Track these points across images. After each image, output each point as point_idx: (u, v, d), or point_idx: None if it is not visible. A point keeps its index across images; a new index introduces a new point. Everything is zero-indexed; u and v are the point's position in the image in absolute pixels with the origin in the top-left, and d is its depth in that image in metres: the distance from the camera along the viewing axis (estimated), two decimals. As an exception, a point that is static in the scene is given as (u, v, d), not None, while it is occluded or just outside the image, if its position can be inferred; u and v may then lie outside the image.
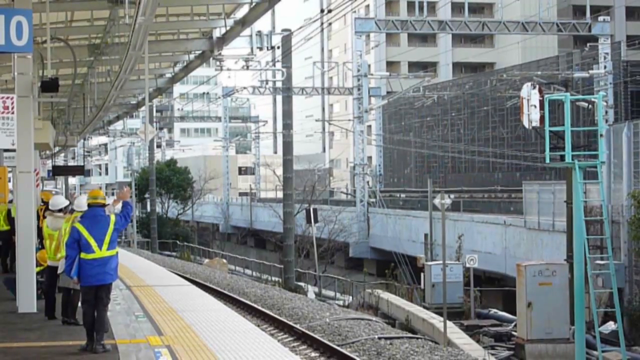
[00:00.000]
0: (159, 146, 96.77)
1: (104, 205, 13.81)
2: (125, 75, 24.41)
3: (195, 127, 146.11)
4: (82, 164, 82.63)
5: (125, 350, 13.46)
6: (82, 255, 13.29)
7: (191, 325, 15.71)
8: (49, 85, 19.12)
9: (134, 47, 19.69)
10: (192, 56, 33.77)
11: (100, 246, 13.30)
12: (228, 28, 27.95)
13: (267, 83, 69.37)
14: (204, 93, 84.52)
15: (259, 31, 32.30)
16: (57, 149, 47.15)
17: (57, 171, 49.54)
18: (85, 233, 13.30)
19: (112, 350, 13.38)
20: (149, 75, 31.54)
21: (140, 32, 17.88)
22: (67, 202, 16.81)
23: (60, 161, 73.71)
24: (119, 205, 16.31)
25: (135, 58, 21.38)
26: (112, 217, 13.59)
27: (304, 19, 74.19)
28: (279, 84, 64.79)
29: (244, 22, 26.97)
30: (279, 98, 72.59)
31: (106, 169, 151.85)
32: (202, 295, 20.66)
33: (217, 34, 29.23)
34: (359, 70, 61.63)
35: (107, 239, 13.36)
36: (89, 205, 13.82)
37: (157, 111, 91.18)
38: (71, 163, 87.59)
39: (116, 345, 13.83)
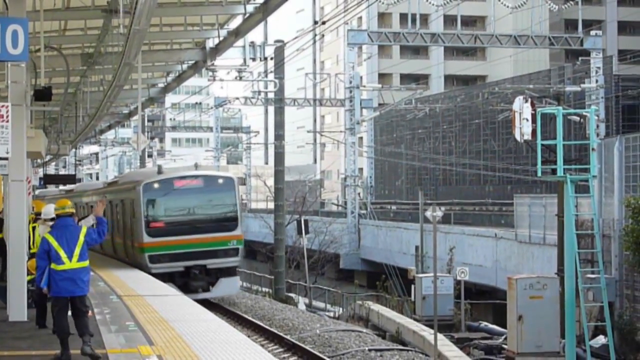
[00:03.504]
0: (150, 156, 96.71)
1: (72, 215, 13.74)
2: (118, 84, 24.42)
3: (186, 137, 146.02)
4: (73, 172, 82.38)
5: (116, 359, 13.43)
6: (52, 266, 13.24)
7: (182, 335, 15.69)
8: (42, 94, 19.11)
9: (128, 57, 19.69)
10: (185, 66, 33.84)
11: (70, 257, 13.22)
12: (221, 39, 28.04)
13: (259, 94, 69.31)
14: (196, 103, 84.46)
15: (252, 42, 32.40)
16: (48, 157, 47.07)
17: (48, 180, 49.48)
18: (54, 244, 13.24)
19: (103, 360, 13.37)
20: (142, 84, 31.57)
21: (134, 41, 17.89)
22: None
23: (51, 170, 73.61)
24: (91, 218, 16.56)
25: (129, 67, 21.39)
26: (84, 229, 13.54)
27: (296, 30, 74.27)
28: (271, 95, 64.73)
29: (237, 33, 27.06)
30: (271, 109, 72.62)
31: (97, 178, 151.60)
32: (193, 305, 20.65)
33: (210, 44, 29.32)
34: (351, 82, 61.70)
35: (77, 250, 13.28)
36: (57, 215, 13.78)
37: (148, 121, 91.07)
38: (62, 172, 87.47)
39: (107, 354, 13.80)
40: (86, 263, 13.45)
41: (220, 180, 33.25)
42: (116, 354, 13.85)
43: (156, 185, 31.94)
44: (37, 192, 59.29)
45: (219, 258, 31.72)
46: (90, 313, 14.87)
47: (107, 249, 37.30)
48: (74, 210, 13.90)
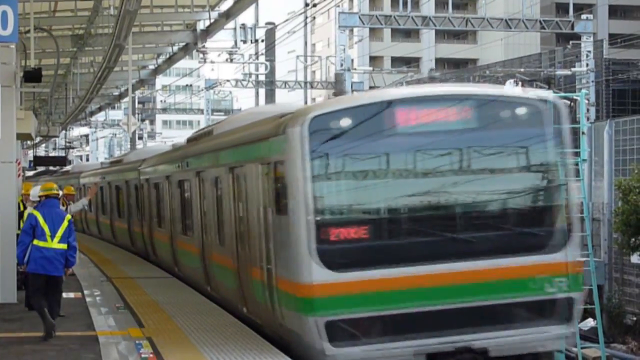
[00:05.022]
0: (140, 138, 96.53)
1: (57, 197, 14.35)
2: (108, 65, 24.34)
3: (177, 119, 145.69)
4: (63, 154, 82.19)
5: (105, 341, 13.46)
6: (35, 242, 13.70)
7: (173, 318, 15.69)
8: (32, 76, 19.08)
9: (118, 38, 19.63)
10: (175, 48, 33.72)
11: (52, 236, 13.72)
12: (212, 20, 27.93)
13: (250, 76, 69.22)
14: (186, 85, 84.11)
15: (243, 24, 32.32)
16: (38, 139, 46.96)
17: (39, 162, 49.32)
18: (41, 220, 13.71)
19: (92, 342, 13.39)
20: (132, 66, 31.49)
21: (124, 22, 17.82)
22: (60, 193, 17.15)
23: (41, 151, 73.43)
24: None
25: (119, 49, 21.32)
26: (68, 216, 14.12)
27: (287, 12, 74.12)
28: (262, 77, 64.72)
29: (228, 15, 26.96)
30: (262, 91, 72.48)
31: (87, 160, 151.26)
32: (184, 287, 20.64)
33: (201, 26, 29.21)
34: (342, 65, 61.47)
35: (60, 232, 13.76)
36: (46, 196, 14.25)
37: (139, 103, 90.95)
38: (52, 154, 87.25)
39: (97, 336, 13.82)
40: (66, 246, 13.87)
41: (522, 110, 13.36)
42: (106, 336, 13.87)
43: (344, 123, 12.59)
44: (70, 167, 54.60)
45: (535, 325, 12.92)
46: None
47: (191, 272, 20.30)
48: (59, 193, 14.41)
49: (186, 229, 20.67)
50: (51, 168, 54.05)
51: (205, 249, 18.34)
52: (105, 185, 35.00)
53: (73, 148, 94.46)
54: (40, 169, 58.00)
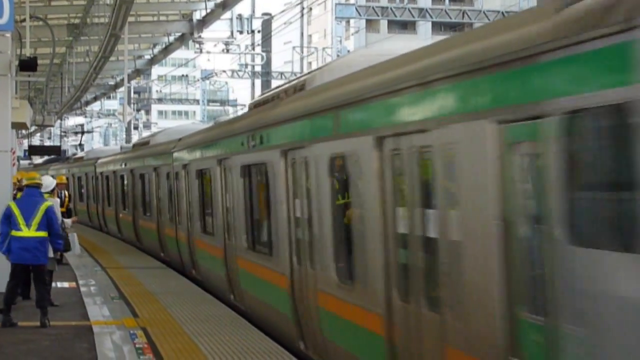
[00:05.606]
0: (136, 128, 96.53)
1: (39, 186, 14.35)
2: (104, 55, 24.31)
3: (172, 109, 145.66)
4: (58, 143, 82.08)
5: (99, 331, 13.43)
6: (13, 232, 13.72)
7: (167, 308, 15.68)
8: (28, 64, 19.06)
9: (114, 28, 19.60)
10: (171, 38, 33.71)
11: (28, 225, 13.69)
12: (208, 11, 27.94)
13: (246, 67, 69.24)
14: (182, 75, 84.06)
15: (240, 15, 32.30)
16: (33, 128, 46.89)
17: (33, 151, 49.24)
18: (15, 211, 13.73)
19: (87, 332, 13.38)
20: (128, 56, 31.42)
21: (120, 12, 17.80)
22: (54, 183, 17.39)
23: (36, 141, 73.38)
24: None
25: (115, 39, 21.30)
26: (47, 203, 14.05)
27: (284, 3, 74.06)
28: (258, 68, 64.69)
29: (224, 5, 26.96)
30: (258, 82, 72.49)
31: (82, 150, 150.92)
32: (178, 277, 20.64)
33: (197, 16, 29.22)
34: (338, 56, 61.61)
35: (36, 220, 13.70)
36: (26, 185, 14.36)
37: (134, 92, 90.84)
38: (47, 143, 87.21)
39: (91, 326, 13.80)
40: (44, 234, 13.83)
41: None
42: (100, 326, 13.84)
43: None
44: (82, 153, 52.50)
45: None
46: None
47: (269, 313, 13.76)
48: (41, 182, 14.51)
49: (258, 242, 14.35)
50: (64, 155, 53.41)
51: (303, 283, 11.34)
52: (127, 173, 29.64)
53: (88, 132, 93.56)
54: (37, 159, 57.85)
